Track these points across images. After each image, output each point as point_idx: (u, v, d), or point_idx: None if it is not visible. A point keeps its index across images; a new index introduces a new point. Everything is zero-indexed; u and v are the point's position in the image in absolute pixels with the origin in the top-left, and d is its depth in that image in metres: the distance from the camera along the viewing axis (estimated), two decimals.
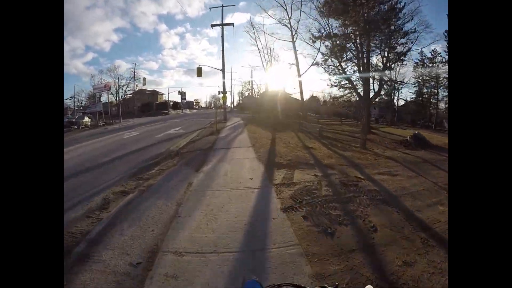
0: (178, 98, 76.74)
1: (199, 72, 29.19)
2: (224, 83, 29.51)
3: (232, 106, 75.78)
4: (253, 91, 39.68)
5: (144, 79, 53.50)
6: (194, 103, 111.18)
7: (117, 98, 74.06)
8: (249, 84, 37.09)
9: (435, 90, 49.06)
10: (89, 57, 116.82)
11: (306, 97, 75.63)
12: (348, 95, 31.01)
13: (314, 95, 77.76)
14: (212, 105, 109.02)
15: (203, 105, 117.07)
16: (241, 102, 73.02)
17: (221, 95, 29.69)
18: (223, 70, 29.90)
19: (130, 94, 72.53)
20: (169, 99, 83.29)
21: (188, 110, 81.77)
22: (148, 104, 72.41)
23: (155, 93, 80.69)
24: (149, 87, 76.31)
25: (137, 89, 75.28)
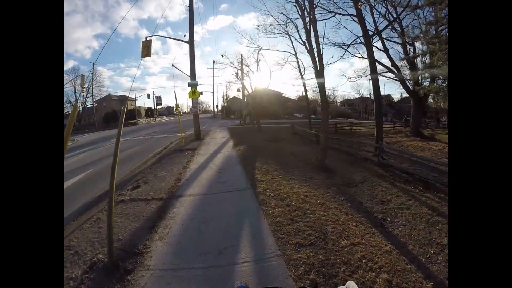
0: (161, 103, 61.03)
1: (146, 48, 13.81)
2: (192, 62, 13.59)
3: (216, 111, 59.82)
4: (245, 86, 22.98)
5: (82, 76, 36.44)
6: (175, 109, 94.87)
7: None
8: (237, 74, 21.19)
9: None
10: (69, 65, 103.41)
11: (291, 96, 60.81)
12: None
13: (303, 94, 64.38)
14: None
15: (186, 110, 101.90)
16: (225, 105, 56.95)
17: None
18: (191, 41, 13.96)
19: (96, 101, 56.07)
20: (142, 106, 67.00)
21: (165, 117, 65.19)
22: (113, 113, 55.50)
23: (124, 99, 63.52)
24: (131, 94, 59.43)
25: (104, 95, 58.86)
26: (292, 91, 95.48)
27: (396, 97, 61.24)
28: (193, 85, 12.95)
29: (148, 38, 14.32)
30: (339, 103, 61.04)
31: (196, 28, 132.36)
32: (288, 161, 9.29)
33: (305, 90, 18.77)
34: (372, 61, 12.09)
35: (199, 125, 14.44)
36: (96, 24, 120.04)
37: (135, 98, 55.48)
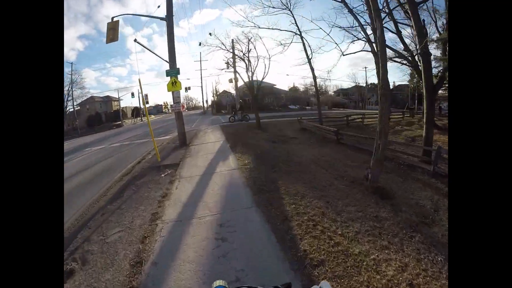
0: (148, 101, 56.51)
1: (112, 31, 10.14)
2: (171, 43, 9.81)
3: (206, 106, 55.72)
4: (237, 74, 18.78)
5: None
6: (163, 107, 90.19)
7: None
8: (228, 63, 17.03)
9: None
10: None
11: (283, 87, 56.95)
12: None
13: (295, 85, 60.54)
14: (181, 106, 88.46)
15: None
16: (215, 99, 52.77)
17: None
18: (169, 16, 10.18)
19: (79, 103, 51.44)
20: (128, 106, 62.10)
21: (153, 116, 60.72)
22: (97, 116, 51.07)
23: (108, 100, 58.91)
24: (117, 95, 54.26)
25: (86, 97, 53.99)
26: (283, 83, 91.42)
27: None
28: (173, 73, 9.23)
29: (115, 19, 10.56)
30: (332, 93, 57.66)
31: (182, 23, 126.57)
32: (321, 180, 5.89)
33: (314, 77, 15.01)
34: (424, 37, 8.49)
35: (183, 127, 10.73)
36: (79, 24, 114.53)
37: (119, 98, 50.74)
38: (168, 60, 9.72)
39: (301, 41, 14.13)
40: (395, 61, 21.00)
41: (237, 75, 19.16)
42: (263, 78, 15.87)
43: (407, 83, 55.12)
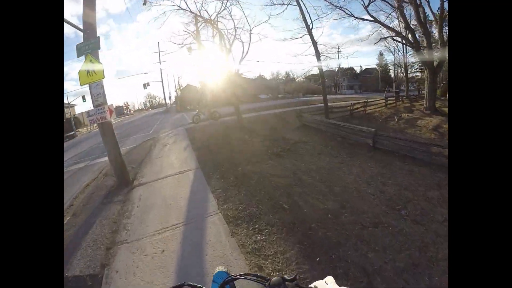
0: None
1: None
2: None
3: (170, 102, 49.42)
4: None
5: None
6: (124, 108, 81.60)
7: None
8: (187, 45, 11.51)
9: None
10: None
11: (250, 76, 52.39)
12: None
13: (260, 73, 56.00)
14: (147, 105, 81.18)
15: (138, 107, 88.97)
16: (179, 94, 46.45)
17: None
18: None
19: None
20: (84, 111, 53.53)
21: (111, 120, 53.02)
22: None
23: None
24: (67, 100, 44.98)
25: None
26: (248, 72, 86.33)
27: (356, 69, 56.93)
28: (88, 50, 4.46)
29: None
30: (303, 79, 54.27)
31: (139, 17, 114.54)
32: None
33: (317, 53, 10.57)
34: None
35: (118, 150, 5.96)
36: None
37: (69, 104, 42.74)
38: (82, 28, 4.86)
39: (297, 4, 9.67)
40: (394, 39, 17.60)
41: (204, 51, 13.90)
42: (242, 59, 11.32)
43: (375, 67, 53.44)
